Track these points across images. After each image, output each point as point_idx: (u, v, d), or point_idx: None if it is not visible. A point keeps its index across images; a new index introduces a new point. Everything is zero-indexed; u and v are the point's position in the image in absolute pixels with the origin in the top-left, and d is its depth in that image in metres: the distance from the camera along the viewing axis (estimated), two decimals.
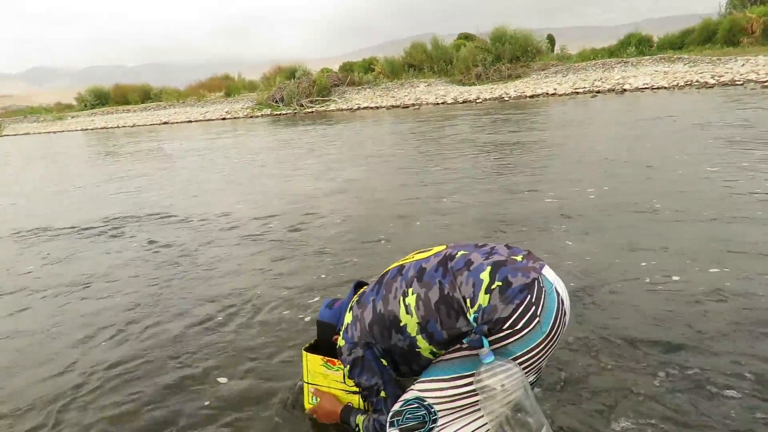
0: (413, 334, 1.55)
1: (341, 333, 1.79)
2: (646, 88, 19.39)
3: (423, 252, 1.70)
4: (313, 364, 1.96)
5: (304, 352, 1.97)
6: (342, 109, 26.37)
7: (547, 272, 1.50)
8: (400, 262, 1.72)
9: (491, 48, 27.16)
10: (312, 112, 27.07)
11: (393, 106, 24.75)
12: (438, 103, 23.55)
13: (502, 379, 1.36)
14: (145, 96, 42.56)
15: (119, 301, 3.53)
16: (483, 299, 1.41)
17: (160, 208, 6.57)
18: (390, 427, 1.61)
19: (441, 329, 1.49)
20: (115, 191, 8.29)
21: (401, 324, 1.58)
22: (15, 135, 38.85)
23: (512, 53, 26.78)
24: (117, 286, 3.86)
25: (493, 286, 1.42)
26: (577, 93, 20.73)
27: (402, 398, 1.60)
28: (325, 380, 1.94)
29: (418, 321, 1.53)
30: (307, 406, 2.02)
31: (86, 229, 5.83)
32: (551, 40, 33.51)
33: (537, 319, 1.40)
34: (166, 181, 8.95)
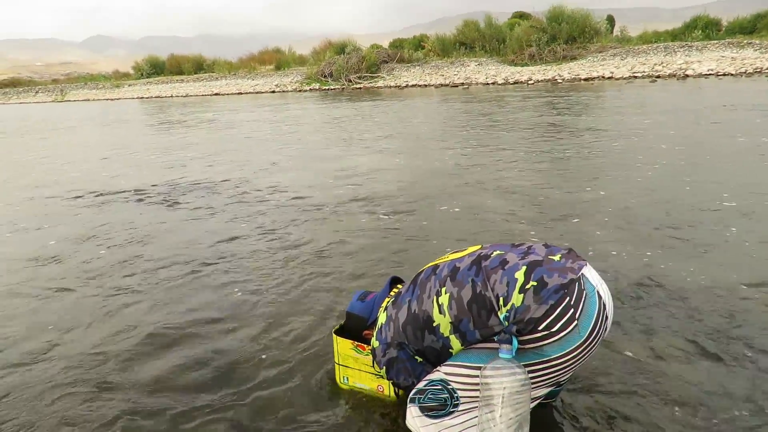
0: (446, 334, 1.53)
1: (375, 334, 1.77)
2: (710, 74, 18.43)
3: (457, 252, 1.68)
4: (343, 347, 1.98)
5: (334, 336, 1.98)
6: (390, 86, 26.23)
7: (590, 273, 1.46)
8: (435, 262, 1.70)
9: (547, 27, 26.30)
10: (360, 87, 27.05)
11: (442, 85, 24.45)
12: (488, 83, 23.11)
13: (506, 381, 1.36)
14: (198, 67, 43.43)
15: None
16: (516, 299, 1.39)
17: (206, 177, 6.77)
18: (411, 402, 1.62)
19: (474, 329, 1.47)
20: (171, 159, 8.58)
21: (434, 324, 1.55)
22: (76, 101, 40.59)
23: (569, 33, 25.86)
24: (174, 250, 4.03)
25: (527, 286, 1.39)
26: (636, 77, 19.92)
27: (428, 377, 1.60)
28: (355, 363, 1.97)
29: (450, 321, 1.51)
30: (339, 384, 2.07)
31: (143, 192, 6.09)
32: (611, 21, 32.12)
33: (575, 322, 1.36)
34: (219, 151, 9.19)
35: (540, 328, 1.36)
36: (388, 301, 1.81)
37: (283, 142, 9.61)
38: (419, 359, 1.65)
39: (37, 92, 50.09)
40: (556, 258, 1.47)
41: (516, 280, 1.42)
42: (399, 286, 1.91)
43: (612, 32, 30.44)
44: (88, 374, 2.32)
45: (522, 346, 1.39)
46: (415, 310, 1.61)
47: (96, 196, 6.06)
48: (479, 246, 1.67)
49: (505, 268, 1.46)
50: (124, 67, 56.14)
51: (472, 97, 17.14)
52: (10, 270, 3.78)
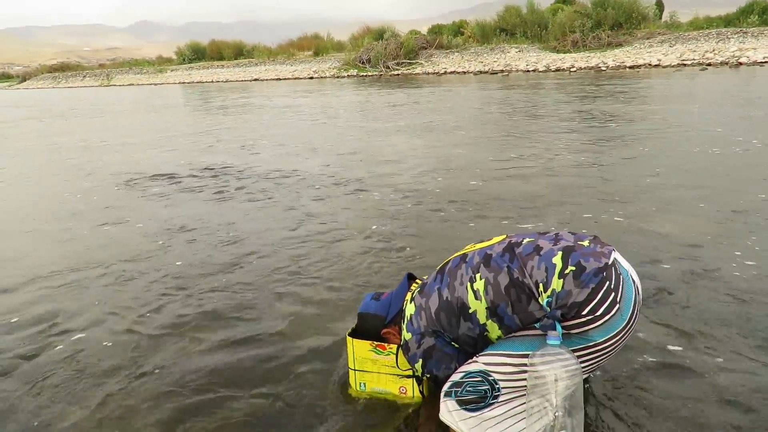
0: (482, 320, 1.52)
1: (405, 326, 1.71)
2: (766, 61, 17.55)
3: (483, 242, 1.67)
4: (360, 350, 1.87)
5: (349, 338, 1.87)
6: (428, 73, 26.01)
7: (620, 258, 1.48)
8: (461, 252, 1.68)
9: (591, 13, 25.50)
10: (398, 74, 26.92)
11: (481, 72, 24.09)
12: (528, 71, 22.64)
13: (557, 368, 1.33)
14: (238, 52, 44.04)
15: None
16: (557, 284, 1.39)
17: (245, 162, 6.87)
18: (446, 396, 1.57)
19: (512, 313, 1.46)
20: (214, 143, 8.75)
21: (470, 311, 1.53)
22: (122, 85, 41.81)
23: (614, 19, 25.02)
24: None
25: (566, 271, 1.39)
26: (684, 65, 19.16)
27: (464, 369, 1.56)
28: (374, 366, 1.87)
29: (487, 306, 1.50)
30: (354, 392, 1.96)
31: (187, 176, 6.24)
32: (659, 6, 30.89)
33: (617, 306, 1.37)
34: (259, 135, 9.32)
35: (584, 312, 1.36)
36: (414, 291, 1.76)
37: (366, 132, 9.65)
38: (455, 345, 1.63)
39: (84, 77, 51.80)
40: (586, 243, 1.48)
41: (554, 265, 1.42)
42: (417, 281, 1.87)
43: (660, 18, 29.30)
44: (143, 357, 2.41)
45: (566, 331, 1.39)
46: (447, 297, 1.59)
47: (173, 181, 6.25)
48: (504, 236, 1.66)
49: (541, 254, 1.46)
50: (167, 52, 57.40)
51: (512, 84, 16.81)
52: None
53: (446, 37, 30.65)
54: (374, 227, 3.93)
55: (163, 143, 9.08)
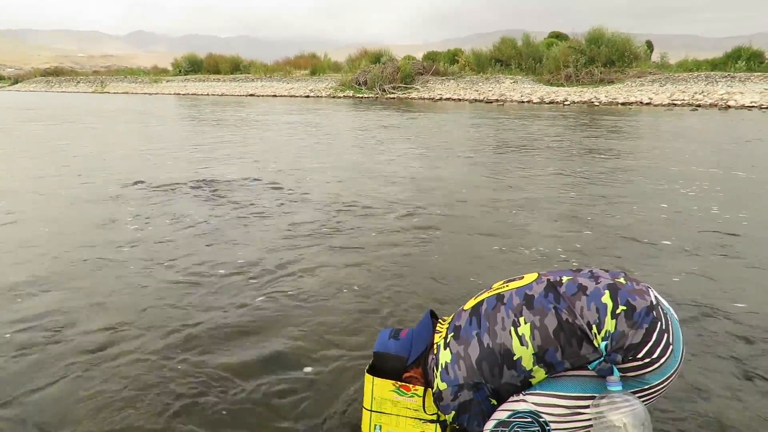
0: (529, 367, 1.43)
1: (438, 374, 1.57)
2: (753, 106, 18.02)
3: (516, 281, 1.58)
4: (381, 389, 1.73)
5: (368, 376, 1.72)
6: (423, 98, 26.30)
7: (659, 296, 1.46)
8: (495, 292, 1.58)
9: (585, 49, 26.08)
10: (394, 98, 27.17)
11: (476, 100, 24.41)
12: (523, 101, 22.99)
13: (625, 415, 1.29)
14: (235, 67, 44.17)
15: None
16: (610, 324, 1.35)
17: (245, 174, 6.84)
18: None
19: (562, 359, 1.39)
20: (210, 156, 8.70)
21: (515, 358, 1.44)
22: (115, 93, 41.62)
23: (607, 56, 25.61)
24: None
25: (617, 311, 1.35)
26: (675, 105, 19.60)
27: (510, 407, 1.48)
28: (394, 408, 1.73)
29: (534, 352, 1.42)
30: None
31: (183, 185, 6.17)
32: (649, 46, 31.71)
33: (671, 347, 1.35)
34: (254, 150, 9.29)
35: (640, 355, 1.33)
36: (441, 337, 1.63)
37: (374, 152, 9.66)
38: (493, 401, 1.52)
39: (78, 82, 51.57)
40: (623, 281, 1.45)
41: (605, 305, 1.38)
42: (442, 320, 1.76)
43: (650, 58, 30.03)
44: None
45: (622, 374, 1.36)
46: (489, 344, 1.47)
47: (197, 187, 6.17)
48: (536, 274, 1.60)
49: (588, 293, 1.42)
50: (163, 63, 57.42)
51: (508, 114, 17.04)
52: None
53: (443, 64, 31.09)
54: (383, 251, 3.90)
55: (155, 154, 9.01)
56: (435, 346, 1.64)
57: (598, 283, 1.44)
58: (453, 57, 32.86)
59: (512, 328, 1.45)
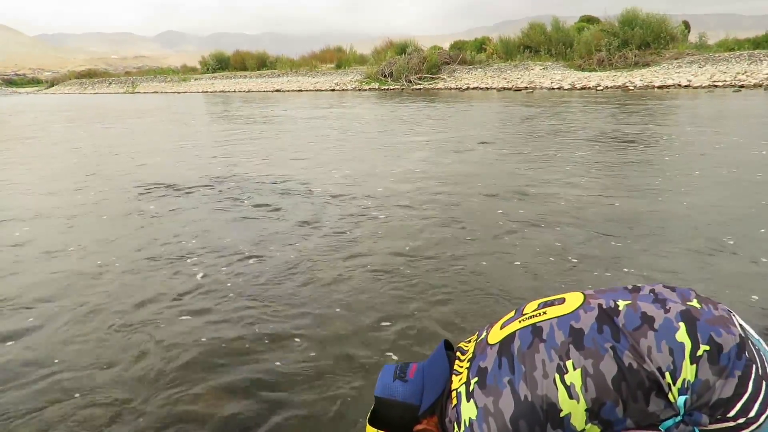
0: (580, 426, 1.09)
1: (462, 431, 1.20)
2: None
3: (556, 306, 1.22)
4: None
5: (370, 428, 1.34)
6: (450, 88, 25.79)
7: (743, 323, 1.11)
8: (529, 322, 1.21)
9: (618, 32, 25.07)
10: (420, 88, 26.74)
11: (504, 88, 23.80)
12: (553, 88, 22.28)
13: None
14: (261, 63, 44.27)
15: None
16: (689, 372, 1.01)
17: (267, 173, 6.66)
18: None
19: (623, 416, 1.06)
20: (234, 154, 8.58)
21: (561, 414, 1.09)
22: (146, 93, 42.33)
23: (642, 39, 24.55)
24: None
25: (698, 352, 1.02)
26: (716, 86, 18.63)
27: None
28: None
29: (587, 407, 1.08)
30: None
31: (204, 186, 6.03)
32: (686, 26, 30.33)
33: None
34: (279, 147, 9.13)
35: (731, 413, 0.99)
36: (462, 382, 1.24)
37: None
38: None
39: (110, 83, 52.62)
40: (696, 304, 1.10)
41: (681, 345, 1.03)
42: (460, 354, 1.36)
43: (687, 39, 28.73)
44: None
45: None
46: (527, 397, 1.12)
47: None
48: (581, 295, 1.23)
49: (655, 327, 1.07)
50: (192, 61, 58.08)
51: (537, 102, 16.49)
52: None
53: (469, 52, 30.43)
54: (406, 247, 3.64)
55: (185, 153, 8.93)
56: (455, 393, 1.24)
57: (668, 311, 1.09)
58: (480, 45, 32.14)
59: (557, 376, 1.10)
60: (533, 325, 1.20)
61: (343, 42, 51.72)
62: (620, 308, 1.13)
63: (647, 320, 1.09)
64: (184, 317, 2.81)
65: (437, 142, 8.67)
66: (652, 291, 1.17)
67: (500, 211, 4.50)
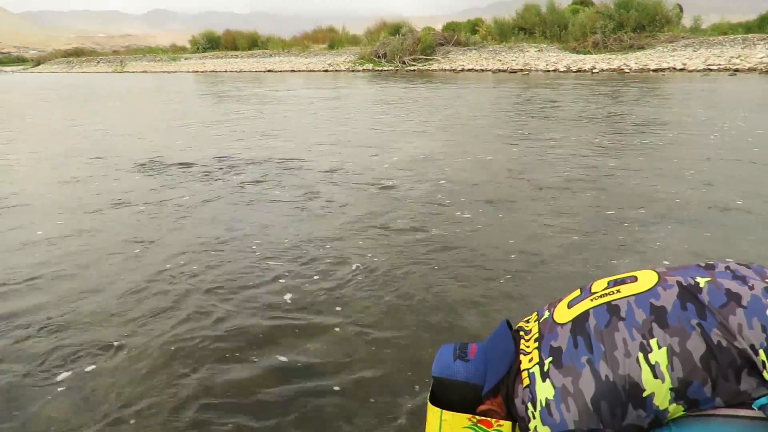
0: (663, 405, 1.06)
1: (539, 413, 1.16)
2: None
3: (629, 283, 1.19)
4: (452, 425, 1.30)
5: (434, 409, 1.29)
6: (445, 70, 25.62)
7: None
8: (602, 300, 1.18)
9: (614, 14, 24.95)
10: (414, 70, 26.54)
11: (499, 70, 23.68)
12: (549, 71, 22.21)
13: None
14: (253, 43, 43.70)
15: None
16: None
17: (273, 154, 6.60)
18: None
19: (712, 395, 1.03)
20: (232, 133, 8.49)
21: (645, 394, 1.06)
22: (134, 72, 41.64)
23: (638, 21, 24.46)
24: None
25: None
26: (711, 69, 18.66)
27: None
28: None
29: (672, 386, 1.05)
30: None
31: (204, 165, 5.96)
32: (680, 9, 30.20)
33: None
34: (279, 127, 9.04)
35: None
36: (533, 362, 1.21)
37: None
38: None
39: (98, 62, 51.71)
40: None
41: None
42: (523, 333, 1.32)
43: (681, 22, 28.64)
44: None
45: None
46: (608, 377, 1.08)
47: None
48: (654, 272, 1.20)
49: (744, 303, 1.04)
50: (181, 41, 57.20)
51: (534, 83, 16.43)
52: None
53: (464, 34, 30.19)
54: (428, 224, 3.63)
55: (182, 132, 8.82)
56: (526, 373, 1.20)
57: (752, 288, 1.06)
58: (473, 27, 31.87)
59: (640, 355, 1.07)
60: (608, 303, 1.16)
61: (334, 22, 51.05)
62: (701, 285, 1.10)
63: (733, 297, 1.06)
64: (232, 299, 2.80)
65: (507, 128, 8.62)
66: (727, 268, 1.15)
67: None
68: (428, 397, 1.29)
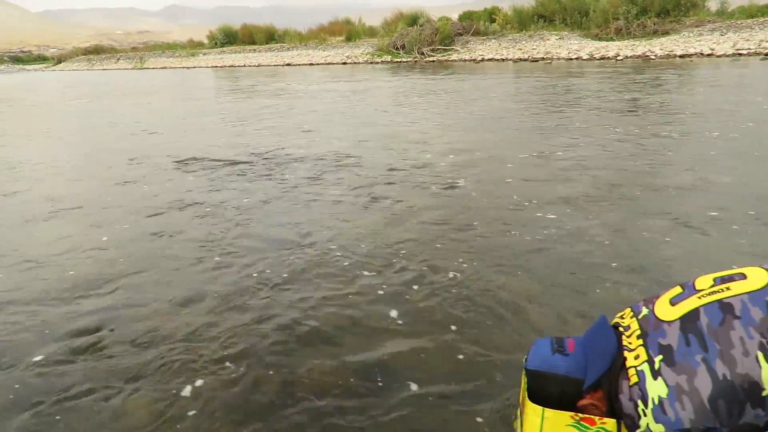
0: None
1: (651, 411, 1.14)
2: None
3: (738, 281, 1.17)
4: (554, 423, 1.26)
5: (536, 408, 1.25)
6: (465, 60, 25.39)
7: None
8: (712, 298, 1.16)
9: None
10: (434, 60, 26.35)
11: (520, 59, 23.41)
12: (571, 59, 21.89)
13: None
14: (270, 37, 43.75)
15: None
16: None
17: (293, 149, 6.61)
18: None
19: None
20: (255, 131, 8.53)
21: (764, 393, 1.06)
22: (154, 68, 42.01)
23: (662, 6, 23.95)
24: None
25: None
26: (740, 54, 18.20)
27: None
28: None
29: None
30: None
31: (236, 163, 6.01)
32: None
33: None
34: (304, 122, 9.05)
35: None
36: (639, 359, 1.20)
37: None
38: None
39: (118, 59, 52.28)
40: None
41: None
42: (623, 329, 1.29)
43: (706, 5, 27.96)
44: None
45: None
46: (725, 376, 1.08)
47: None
48: (763, 270, 1.18)
49: None
50: (198, 36, 57.43)
51: (559, 72, 16.20)
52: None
53: (483, 23, 29.85)
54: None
55: (210, 129, 8.90)
56: (633, 371, 1.19)
57: None
58: (490, 15, 31.48)
59: (760, 354, 1.06)
60: (719, 301, 1.14)
61: (349, 13, 50.73)
62: None
63: None
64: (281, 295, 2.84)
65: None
66: None
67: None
68: (526, 395, 1.26)
